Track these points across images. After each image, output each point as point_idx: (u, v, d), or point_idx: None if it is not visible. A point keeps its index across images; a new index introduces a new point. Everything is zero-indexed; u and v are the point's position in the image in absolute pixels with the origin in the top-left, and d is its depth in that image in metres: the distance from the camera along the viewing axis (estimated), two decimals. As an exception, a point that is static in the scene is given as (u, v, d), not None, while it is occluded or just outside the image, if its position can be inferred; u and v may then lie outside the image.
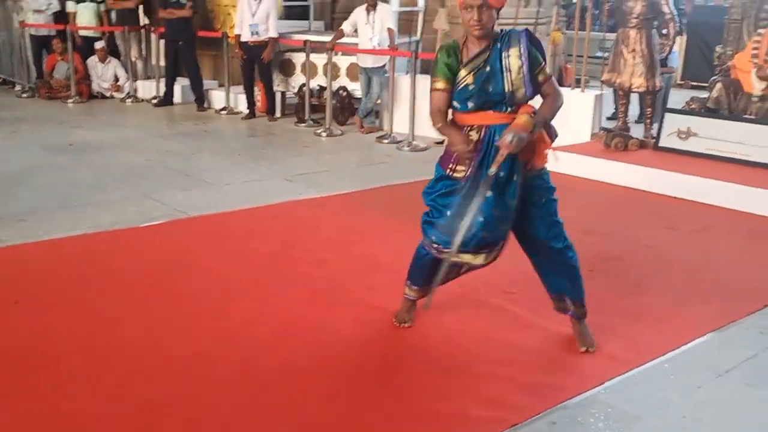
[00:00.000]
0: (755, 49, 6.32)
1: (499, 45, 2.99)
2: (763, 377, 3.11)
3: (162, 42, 9.78)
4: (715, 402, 2.93)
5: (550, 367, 3.20)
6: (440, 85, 3.04)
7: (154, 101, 9.81)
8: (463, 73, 3.00)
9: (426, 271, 3.33)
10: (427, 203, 3.23)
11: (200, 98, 9.52)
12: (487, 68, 2.98)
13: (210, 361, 3.16)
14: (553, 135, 3.12)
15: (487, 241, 3.08)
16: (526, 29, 3.08)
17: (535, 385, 3.04)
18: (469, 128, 3.06)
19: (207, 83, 9.84)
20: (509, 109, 3.00)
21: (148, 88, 10.24)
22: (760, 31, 6.40)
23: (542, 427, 2.75)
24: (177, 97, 9.83)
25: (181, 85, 9.80)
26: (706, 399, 2.95)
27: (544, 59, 3.06)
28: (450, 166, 3.13)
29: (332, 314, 3.63)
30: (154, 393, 2.90)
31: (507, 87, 2.97)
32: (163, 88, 9.79)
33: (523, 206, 3.09)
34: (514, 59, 2.96)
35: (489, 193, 2.99)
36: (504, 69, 2.96)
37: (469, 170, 3.05)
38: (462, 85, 3.00)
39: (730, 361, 3.22)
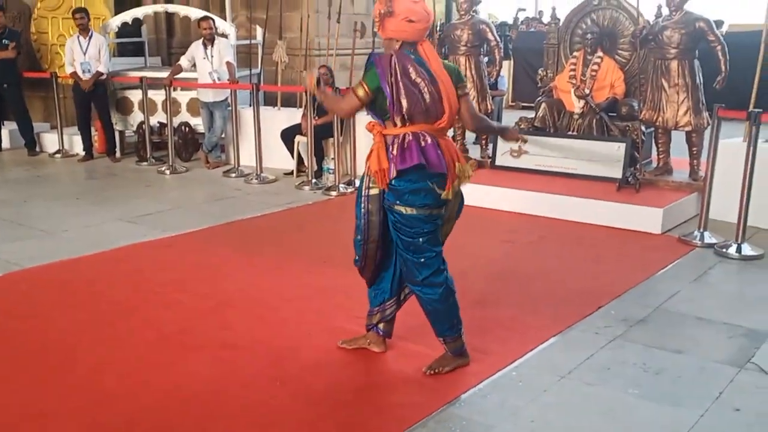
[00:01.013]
0: (572, 70, 6.84)
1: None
2: (599, 375, 3.35)
3: (-17, 85, 9.17)
4: (559, 404, 3.12)
5: (408, 387, 3.27)
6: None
7: (-21, 148, 9.15)
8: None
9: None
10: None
11: (31, 142, 8.98)
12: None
13: (55, 418, 2.98)
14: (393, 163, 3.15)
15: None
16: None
17: (395, 407, 3.11)
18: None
19: (38, 126, 9.29)
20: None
21: (-30, 135, 9.54)
22: (575, 54, 6.95)
23: (401, 446, 2.81)
24: (5, 142, 9.22)
25: (8, 129, 9.21)
26: (551, 402, 3.14)
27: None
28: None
29: (184, 357, 3.54)
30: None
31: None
32: (-12, 135, 9.16)
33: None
34: None
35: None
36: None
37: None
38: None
39: (571, 363, 3.45)
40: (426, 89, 3.10)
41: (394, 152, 3.12)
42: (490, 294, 4.35)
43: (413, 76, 3.10)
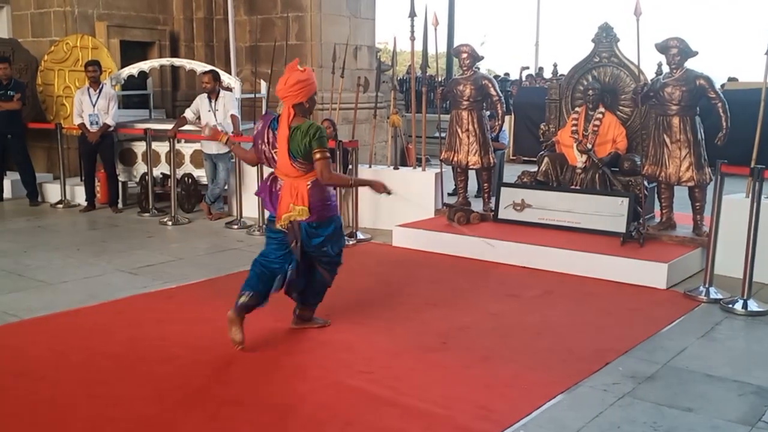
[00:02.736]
0: (574, 125, 6.89)
1: None
2: (608, 434, 3.27)
3: (-13, 136, 9.25)
4: (567, 463, 3.03)
5: (411, 445, 3.19)
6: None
7: (-19, 198, 9.17)
8: None
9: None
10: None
11: (33, 192, 9.00)
12: None
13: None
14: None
15: None
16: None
17: (398, 466, 3.02)
18: None
19: (40, 176, 9.33)
20: None
21: (-28, 185, 9.57)
22: (577, 109, 7.00)
23: (406, 508, 2.72)
24: (7, 192, 9.24)
25: (10, 179, 9.24)
26: (560, 461, 3.05)
27: None
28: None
29: (183, 413, 3.45)
30: None
31: None
32: (-10, 185, 9.18)
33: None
34: None
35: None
36: None
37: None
38: None
39: (579, 421, 3.36)
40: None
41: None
42: (495, 349, 4.28)
43: None
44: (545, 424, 3.36)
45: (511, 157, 13.73)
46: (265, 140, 4.12)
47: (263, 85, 9.08)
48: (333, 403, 3.55)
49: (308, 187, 4.08)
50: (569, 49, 32.26)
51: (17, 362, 4.04)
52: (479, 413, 3.41)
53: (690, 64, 6.19)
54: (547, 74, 16.80)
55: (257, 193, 4.41)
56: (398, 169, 8.00)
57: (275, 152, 4.08)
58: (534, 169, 7.25)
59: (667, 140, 6.20)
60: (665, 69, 6.37)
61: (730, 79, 14.32)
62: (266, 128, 4.12)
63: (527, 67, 18.81)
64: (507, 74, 19.44)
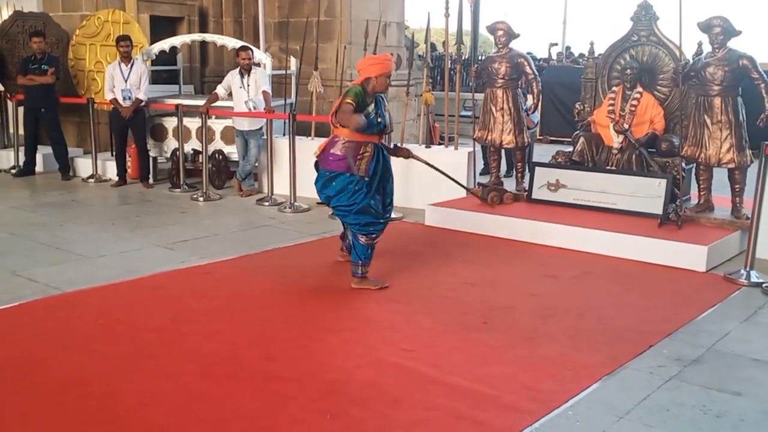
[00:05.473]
0: (611, 105, 6.80)
1: (379, 97, 4.94)
2: (658, 416, 3.25)
3: (20, 109, 9.29)
4: (618, 445, 3.03)
5: (461, 424, 3.19)
6: (351, 101, 4.72)
7: (13, 171, 9.23)
8: (370, 108, 4.82)
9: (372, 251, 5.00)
10: (360, 205, 4.83)
11: (65, 167, 9.05)
12: (378, 109, 4.87)
13: (104, 450, 2.92)
14: None
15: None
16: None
17: (447, 444, 3.03)
18: (365, 144, 4.84)
19: (71, 150, 9.37)
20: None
21: (5, 158, 9.64)
22: (614, 88, 6.91)
23: (460, 486, 2.73)
24: (39, 166, 9.30)
25: (42, 153, 9.29)
26: (610, 442, 3.05)
27: None
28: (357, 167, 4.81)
29: (230, 388, 3.47)
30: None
31: (387, 121, 4.95)
32: (22, 158, 9.23)
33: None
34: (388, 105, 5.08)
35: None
36: (384, 110, 4.94)
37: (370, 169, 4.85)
38: (372, 116, 4.81)
39: (628, 403, 3.35)
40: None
41: None
42: (537, 330, 4.26)
43: None
44: (594, 405, 3.35)
45: (538, 137, 13.57)
46: None
47: (293, 61, 9.04)
48: (379, 380, 3.56)
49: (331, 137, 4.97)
50: (598, 27, 31.58)
51: (64, 335, 4.09)
52: (527, 393, 3.41)
53: (732, 43, 6.09)
54: (576, 52, 16.56)
55: None
56: (430, 147, 7.96)
57: None
58: (563, 148, 7.16)
59: (708, 121, 6.11)
60: (705, 48, 6.26)
61: None
62: None
63: (555, 44, 18.51)
64: (530, 53, 19.28)
